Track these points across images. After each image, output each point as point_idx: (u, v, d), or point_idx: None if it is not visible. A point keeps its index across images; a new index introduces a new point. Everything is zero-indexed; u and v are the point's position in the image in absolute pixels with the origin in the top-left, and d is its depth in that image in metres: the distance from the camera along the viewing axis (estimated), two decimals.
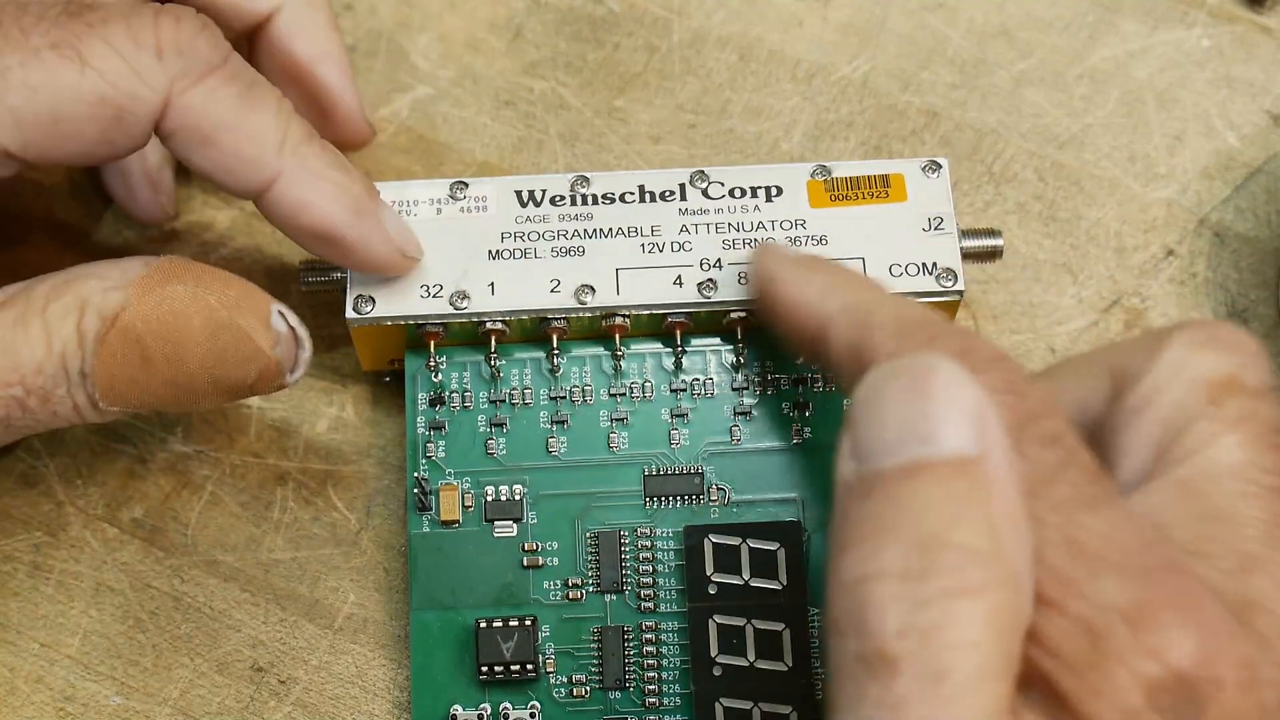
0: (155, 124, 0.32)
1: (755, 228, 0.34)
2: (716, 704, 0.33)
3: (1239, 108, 0.40)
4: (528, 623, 0.33)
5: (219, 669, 0.35)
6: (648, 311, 0.34)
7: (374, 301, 0.34)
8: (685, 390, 0.35)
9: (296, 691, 0.35)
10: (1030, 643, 0.23)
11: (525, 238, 0.34)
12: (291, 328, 0.32)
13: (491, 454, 0.34)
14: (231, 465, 0.37)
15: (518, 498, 0.34)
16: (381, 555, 0.36)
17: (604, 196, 0.35)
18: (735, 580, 0.33)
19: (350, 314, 0.34)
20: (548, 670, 0.33)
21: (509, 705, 0.33)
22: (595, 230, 0.34)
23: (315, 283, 0.35)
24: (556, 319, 0.34)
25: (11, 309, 0.31)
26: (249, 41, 0.37)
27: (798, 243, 0.34)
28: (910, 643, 0.22)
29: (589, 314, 0.34)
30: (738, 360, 0.35)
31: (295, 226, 0.33)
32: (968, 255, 0.35)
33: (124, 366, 0.31)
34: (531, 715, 0.33)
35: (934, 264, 0.34)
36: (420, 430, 0.34)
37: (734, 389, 0.35)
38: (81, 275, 0.31)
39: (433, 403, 0.35)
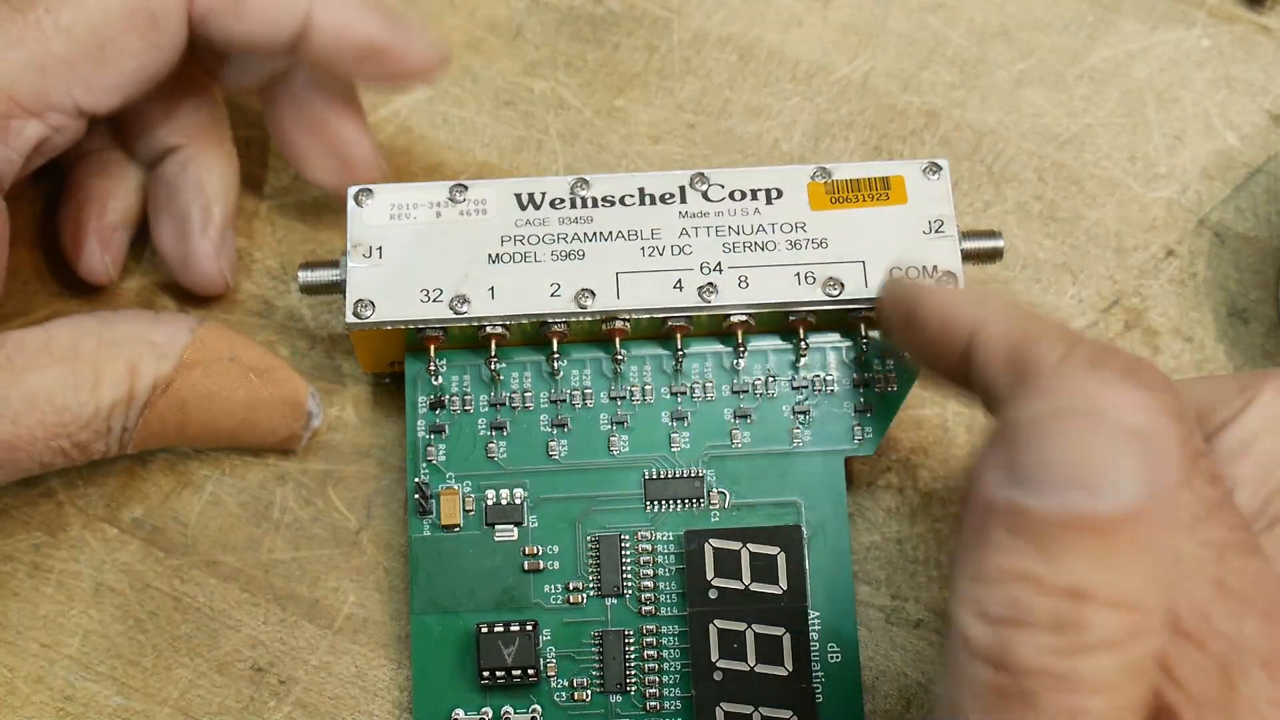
0: (188, 14, 0.33)
1: (755, 230, 0.34)
2: (717, 708, 0.33)
3: (1239, 108, 0.40)
4: (529, 627, 0.33)
5: (219, 669, 0.35)
6: (648, 315, 0.34)
7: (373, 306, 0.33)
8: (685, 393, 0.35)
9: (296, 691, 0.35)
10: (1159, 671, 0.23)
11: (525, 241, 0.34)
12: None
13: (492, 457, 0.34)
14: (231, 465, 0.37)
15: (518, 501, 0.34)
16: (381, 555, 0.36)
17: (604, 199, 0.35)
18: (735, 585, 0.33)
19: (350, 319, 0.33)
20: (549, 674, 0.33)
21: (510, 709, 0.33)
22: (595, 233, 0.34)
23: (313, 284, 0.35)
24: (557, 323, 0.34)
25: (62, 366, 0.32)
26: (269, 93, 0.37)
27: (798, 246, 0.34)
28: (1051, 681, 0.22)
29: (589, 318, 0.34)
30: (737, 363, 0.35)
31: (341, 51, 0.34)
32: (968, 257, 0.35)
33: (162, 427, 0.34)
34: (532, 719, 0.33)
35: (934, 266, 0.34)
36: (420, 434, 0.34)
37: (734, 392, 0.35)
38: (131, 337, 0.33)
39: (433, 406, 0.35)
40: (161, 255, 0.37)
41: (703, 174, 0.35)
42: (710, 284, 0.34)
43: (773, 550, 0.33)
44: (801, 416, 0.35)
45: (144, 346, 0.33)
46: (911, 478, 0.36)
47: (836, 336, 0.35)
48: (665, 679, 0.33)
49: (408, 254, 0.34)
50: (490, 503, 0.34)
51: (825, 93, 0.40)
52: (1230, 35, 0.41)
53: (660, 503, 0.34)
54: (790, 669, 0.33)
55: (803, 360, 0.35)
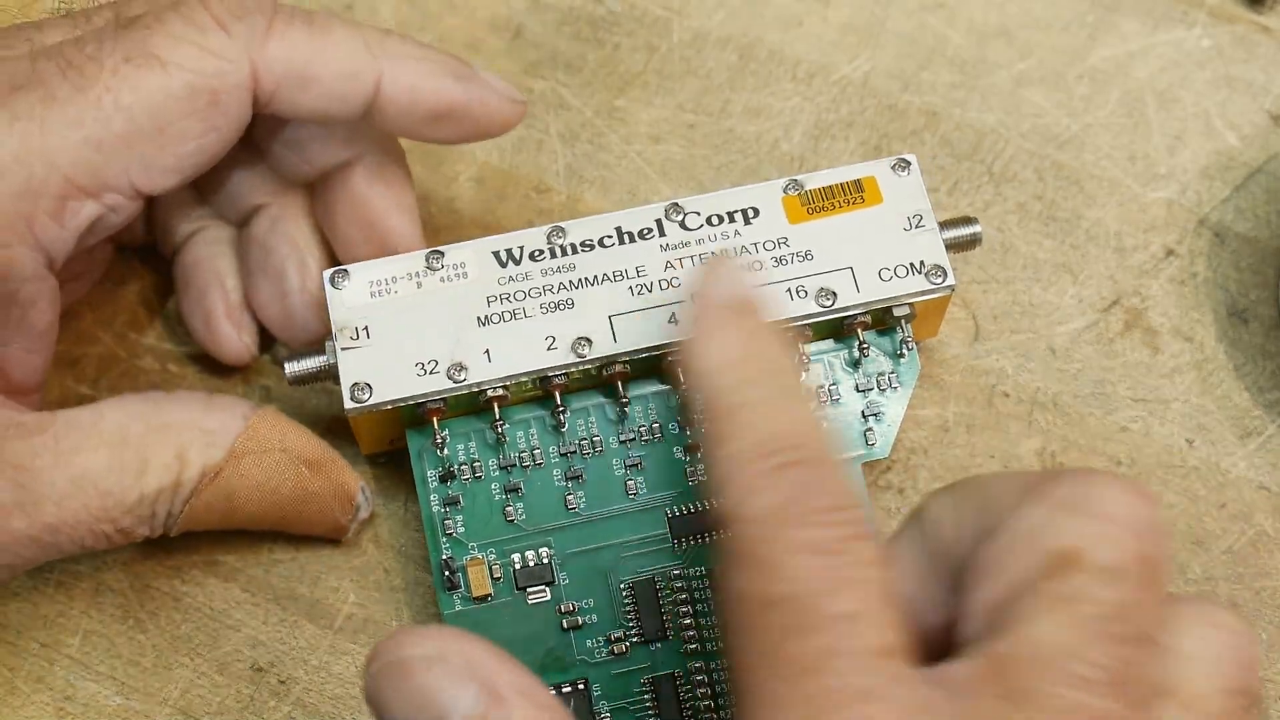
0: (253, 93, 0.32)
1: (739, 252, 0.34)
2: None
3: (1239, 108, 0.40)
4: (579, 686, 0.32)
5: (219, 669, 0.35)
6: (648, 355, 0.33)
7: (370, 388, 0.33)
8: (696, 425, 0.34)
9: (296, 691, 0.35)
10: None
11: (512, 299, 0.34)
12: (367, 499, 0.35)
13: (511, 520, 0.34)
14: None
15: (545, 560, 0.33)
16: (381, 555, 0.36)
17: (583, 244, 0.34)
18: None
19: (350, 405, 0.33)
20: None
21: None
22: (580, 280, 0.34)
23: (302, 374, 0.34)
24: (557, 376, 0.33)
25: (109, 451, 0.32)
26: (323, 182, 0.36)
27: (784, 261, 0.34)
28: None
29: (590, 366, 0.33)
30: None
31: (416, 114, 0.33)
32: (950, 246, 0.34)
33: (207, 515, 0.33)
34: None
35: (921, 263, 0.34)
36: (435, 508, 0.34)
37: None
38: (181, 423, 0.32)
39: (443, 479, 0.34)
40: (259, 315, 0.36)
41: (677, 204, 0.34)
42: None
43: None
44: None
45: (194, 433, 0.32)
46: (911, 477, 0.36)
47: (831, 343, 0.35)
48: (723, 714, 0.33)
49: (396, 330, 0.33)
50: (518, 567, 0.33)
51: (825, 93, 0.40)
52: (1230, 35, 0.41)
53: (687, 539, 0.34)
54: None
55: (804, 374, 0.34)
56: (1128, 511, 0.24)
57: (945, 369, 0.37)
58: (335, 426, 0.36)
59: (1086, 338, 0.38)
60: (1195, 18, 0.41)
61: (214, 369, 0.37)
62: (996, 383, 0.37)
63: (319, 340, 0.35)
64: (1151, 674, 0.24)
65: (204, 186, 0.36)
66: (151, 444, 0.32)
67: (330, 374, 0.34)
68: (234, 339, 0.36)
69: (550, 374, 0.33)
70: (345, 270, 0.34)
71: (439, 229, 0.39)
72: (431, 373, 0.33)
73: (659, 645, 0.33)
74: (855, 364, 0.35)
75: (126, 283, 0.38)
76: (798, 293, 0.34)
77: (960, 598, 0.25)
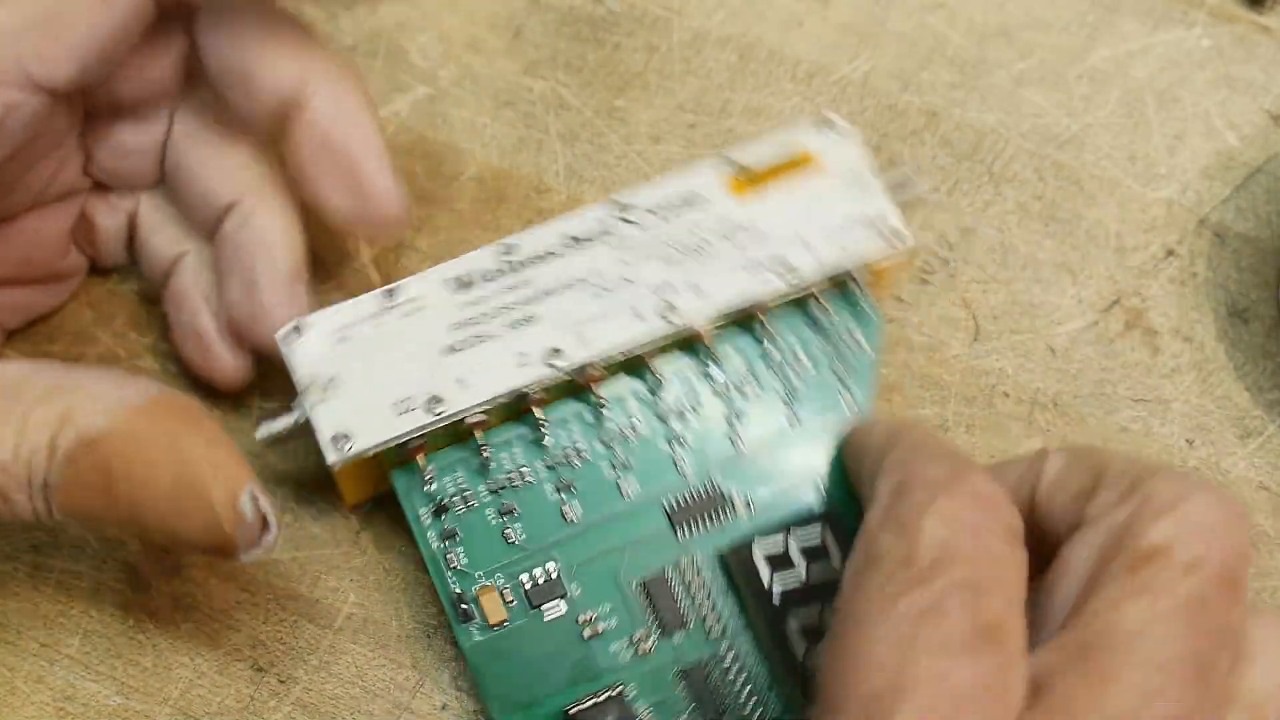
0: None
1: (691, 239, 0.34)
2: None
3: (1239, 108, 0.40)
4: (614, 693, 0.32)
5: (219, 669, 0.35)
6: (620, 355, 0.33)
7: (349, 437, 0.32)
8: (675, 414, 0.34)
9: (296, 691, 0.35)
10: None
11: (475, 323, 0.33)
12: (261, 513, 0.30)
13: (513, 542, 0.33)
14: None
15: (554, 575, 0.33)
16: (381, 555, 0.36)
17: (534, 258, 0.34)
18: (795, 583, 0.33)
19: (333, 456, 0.32)
20: None
21: None
22: (539, 293, 0.34)
23: (276, 434, 0.33)
24: (535, 393, 0.33)
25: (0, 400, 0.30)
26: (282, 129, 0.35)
27: (734, 242, 0.34)
28: None
29: (566, 376, 0.33)
30: (712, 368, 0.34)
31: (311, 154, 0.34)
32: (898, 204, 0.35)
33: (85, 492, 0.30)
34: None
35: (875, 222, 0.34)
36: (435, 545, 0.33)
37: (716, 395, 0.34)
38: (78, 385, 0.30)
39: (437, 513, 0.33)
40: (231, 315, 0.35)
41: (617, 201, 0.34)
42: (668, 304, 0.33)
43: (815, 530, 0.33)
44: (790, 399, 0.35)
45: (87, 399, 0.30)
46: None
47: (791, 310, 0.35)
48: (758, 688, 0.33)
49: (364, 374, 0.33)
50: (528, 587, 0.33)
51: (825, 93, 0.40)
52: (1230, 35, 0.41)
53: (688, 526, 0.34)
54: None
55: (770, 346, 0.35)
56: (1217, 519, 0.26)
57: (945, 369, 0.37)
58: (310, 482, 0.36)
59: (1086, 338, 0.38)
60: (1195, 18, 0.41)
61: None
62: (996, 383, 0.37)
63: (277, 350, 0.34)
64: (1225, 672, 0.25)
65: (175, 190, 0.36)
66: (39, 401, 0.30)
67: (305, 431, 0.33)
68: (228, 359, 0.36)
69: (527, 390, 0.33)
70: (297, 326, 0.33)
71: (439, 229, 0.39)
72: (409, 410, 0.32)
73: (681, 635, 0.33)
74: (817, 329, 0.35)
75: (126, 282, 0.38)
76: (754, 269, 0.34)
77: (1044, 580, 0.27)
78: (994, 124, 0.40)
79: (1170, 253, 0.39)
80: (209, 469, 0.30)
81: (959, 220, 0.39)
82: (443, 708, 0.35)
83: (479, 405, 0.33)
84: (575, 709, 0.32)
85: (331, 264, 0.38)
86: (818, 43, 0.41)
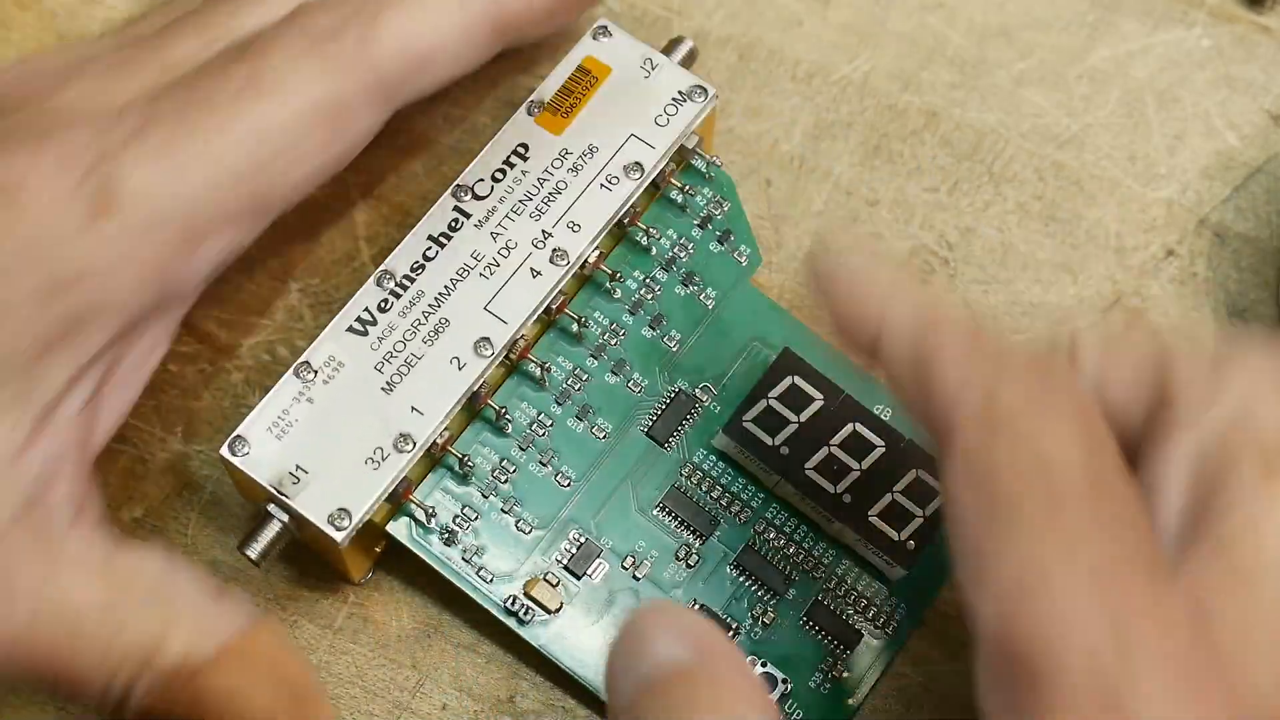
0: (377, 94, 0.32)
1: (540, 188, 0.35)
2: (870, 520, 0.34)
3: (1239, 108, 0.40)
4: (695, 610, 0.34)
5: None
6: (536, 315, 0.34)
7: (344, 510, 0.32)
8: (605, 346, 0.35)
9: None
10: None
11: (396, 354, 0.33)
12: None
13: (527, 532, 0.34)
14: None
15: (582, 539, 0.34)
16: (381, 555, 0.36)
17: (412, 269, 0.34)
18: (792, 429, 0.34)
19: (339, 535, 0.32)
20: (735, 628, 0.34)
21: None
22: (437, 296, 0.34)
23: (266, 548, 0.33)
24: (482, 387, 0.34)
25: (104, 588, 0.29)
26: None
27: (579, 169, 0.35)
28: None
29: (502, 358, 0.34)
30: (617, 288, 0.36)
31: (536, 16, 0.35)
32: (685, 67, 0.37)
33: (170, 709, 0.30)
34: (767, 676, 0.34)
35: (678, 92, 0.36)
36: (463, 570, 0.34)
37: (634, 310, 0.36)
38: (179, 597, 0.30)
39: (447, 543, 0.34)
40: None
41: (457, 184, 0.35)
42: (555, 250, 0.34)
43: (785, 381, 0.35)
44: (691, 280, 0.36)
45: (189, 613, 0.30)
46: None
47: (656, 206, 0.37)
48: (813, 547, 0.34)
49: (324, 450, 0.32)
50: (565, 561, 0.34)
51: (825, 93, 0.40)
52: (1230, 35, 0.41)
53: (672, 435, 0.35)
54: (883, 442, 0.34)
55: (653, 243, 0.36)
56: None
57: None
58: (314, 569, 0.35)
59: None
60: (1195, 18, 0.41)
61: (213, 361, 0.37)
62: None
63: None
64: None
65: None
66: (141, 609, 0.30)
67: (293, 531, 0.33)
68: None
69: (477, 389, 0.33)
70: (237, 438, 0.32)
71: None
72: (384, 459, 0.32)
73: (718, 533, 0.35)
74: (681, 206, 0.36)
75: None
76: (610, 182, 0.35)
77: (1145, 482, 0.25)
78: (994, 124, 0.40)
79: (1170, 253, 0.39)
80: (299, 712, 0.31)
81: (959, 220, 0.39)
82: (443, 708, 0.35)
83: (444, 421, 0.33)
84: None
85: (331, 264, 0.38)
86: (818, 43, 0.41)
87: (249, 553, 0.32)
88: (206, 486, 0.36)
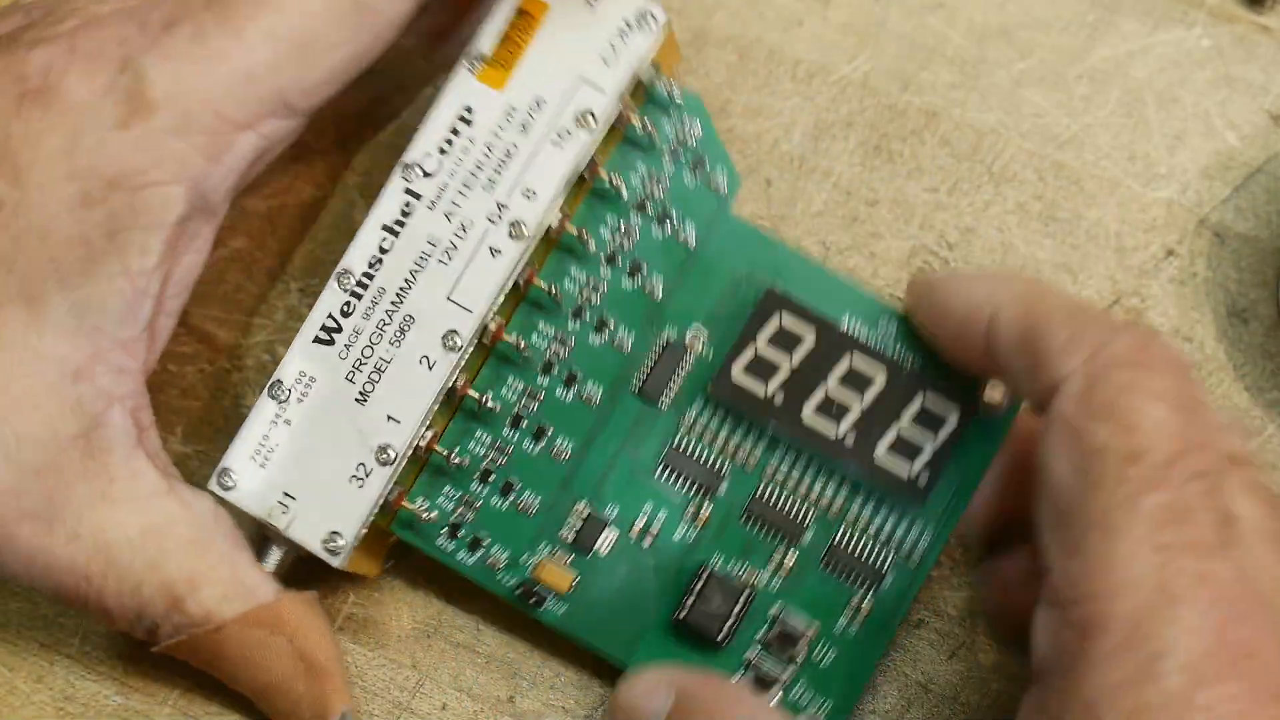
0: None
1: (491, 153, 0.33)
2: (876, 462, 0.33)
3: (1239, 108, 0.40)
4: (704, 574, 0.33)
5: None
6: (504, 294, 0.33)
7: (336, 534, 0.32)
8: (581, 309, 0.34)
9: None
10: None
11: (365, 360, 0.33)
12: None
13: (532, 513, 0.34)
14: None
15: (586, 512, 0.34)
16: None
17: (370, 266, 0.33)
18: (785, 375, 0.33)
19: (337, 561, 0.32)
20: (755, 584, 0.33)
21: (763, 631, 0.33)
22: (398, 292, 0.33)
23: (274, 568, 0.33)
24: (458, 380, 0.33)
25: (145, 536, 0.30)
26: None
27: (528, 128, 0.33)
28: None
29: (475, 348, 0.33)
30: (588, 246, 0.34)
31: None
32: None
33: (190, 652, 0.31)
34: (787, 617, 0.33)
35: (625, 22, 0.33)
36: (471, 561, 0.34)
37: (606, 265, 0.34)
38: (217, 551, 0.31)
39: (452, 536, 0.34)
40: None
41: (402, 163, 0.33)
42: (512, 223, 0.33)
43: (774, 323, 0.33)
44: (667, 219, 0.34)
45: (223, 572, 0.31)
46: None
47: (618, 149, 0.35)
48: (825, 482, 0.34)
49: (306, 474, 0.32)
50: (571, 538, 0.34)
51: (825, 93, 0.40)
52: (1230, 35, 0.41)
53: (664, 394, 0.34)
54: (885, 372, 0.33)
55: (623, 189, 0.34)
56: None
57: None
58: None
59: None
60: (1195, 18, 0.41)
61: (213, 361, 0.37)
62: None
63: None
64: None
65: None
66: (178, 553, 0.30)
67: (290, 558, 0.33)
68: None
69: (453, 385, 0.33)
70: (223, 470, 0.32)
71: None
72: (368, 474, 0.32)
73: (724, 486, 0.34)
74: (649, 145, 0.34)
75: None
76: (564, 135, 0.33)
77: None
78: (994, 124, 0.40)
79: (1170, 253, 0.39)
80: (315, 682, 0.32)
81: (959, 220, 0.39)
82: (443, 708, 0.35)
83: (420, 428, 0.32)
84: (682, 614, 0.33)
85: (331, 264, 0.38)
86: (818, 43, 0.41)
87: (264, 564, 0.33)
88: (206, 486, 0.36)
